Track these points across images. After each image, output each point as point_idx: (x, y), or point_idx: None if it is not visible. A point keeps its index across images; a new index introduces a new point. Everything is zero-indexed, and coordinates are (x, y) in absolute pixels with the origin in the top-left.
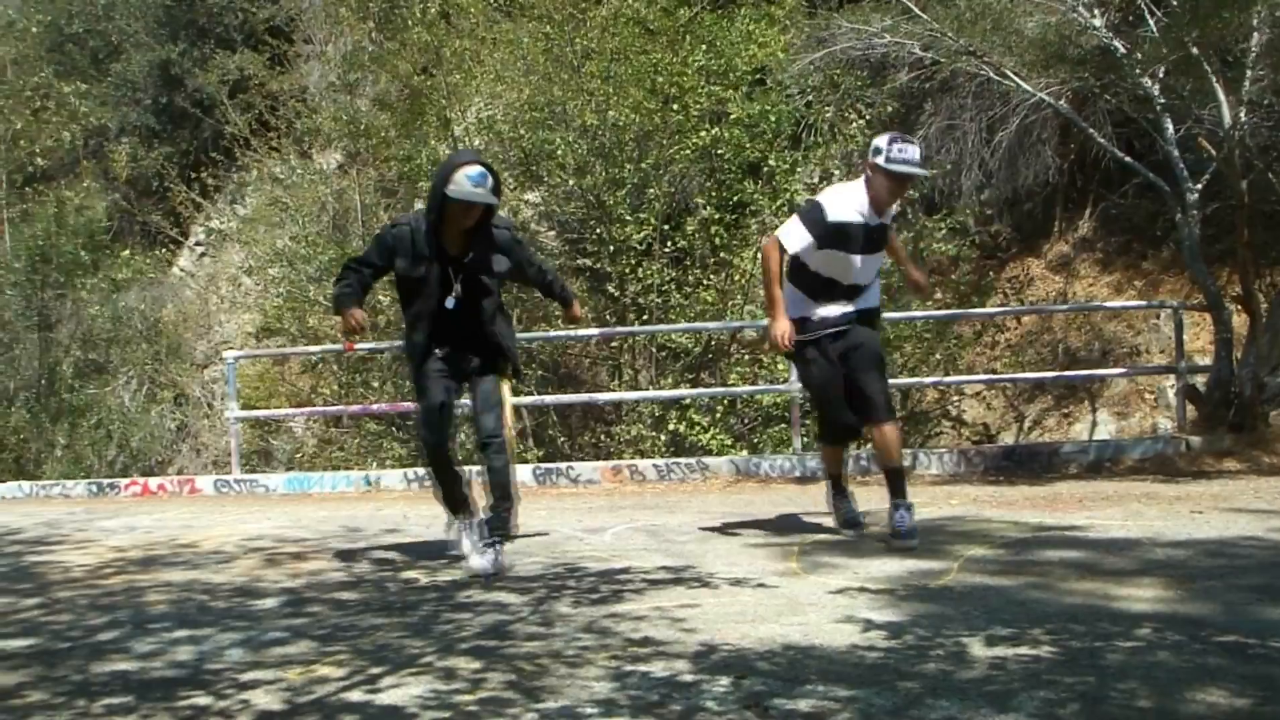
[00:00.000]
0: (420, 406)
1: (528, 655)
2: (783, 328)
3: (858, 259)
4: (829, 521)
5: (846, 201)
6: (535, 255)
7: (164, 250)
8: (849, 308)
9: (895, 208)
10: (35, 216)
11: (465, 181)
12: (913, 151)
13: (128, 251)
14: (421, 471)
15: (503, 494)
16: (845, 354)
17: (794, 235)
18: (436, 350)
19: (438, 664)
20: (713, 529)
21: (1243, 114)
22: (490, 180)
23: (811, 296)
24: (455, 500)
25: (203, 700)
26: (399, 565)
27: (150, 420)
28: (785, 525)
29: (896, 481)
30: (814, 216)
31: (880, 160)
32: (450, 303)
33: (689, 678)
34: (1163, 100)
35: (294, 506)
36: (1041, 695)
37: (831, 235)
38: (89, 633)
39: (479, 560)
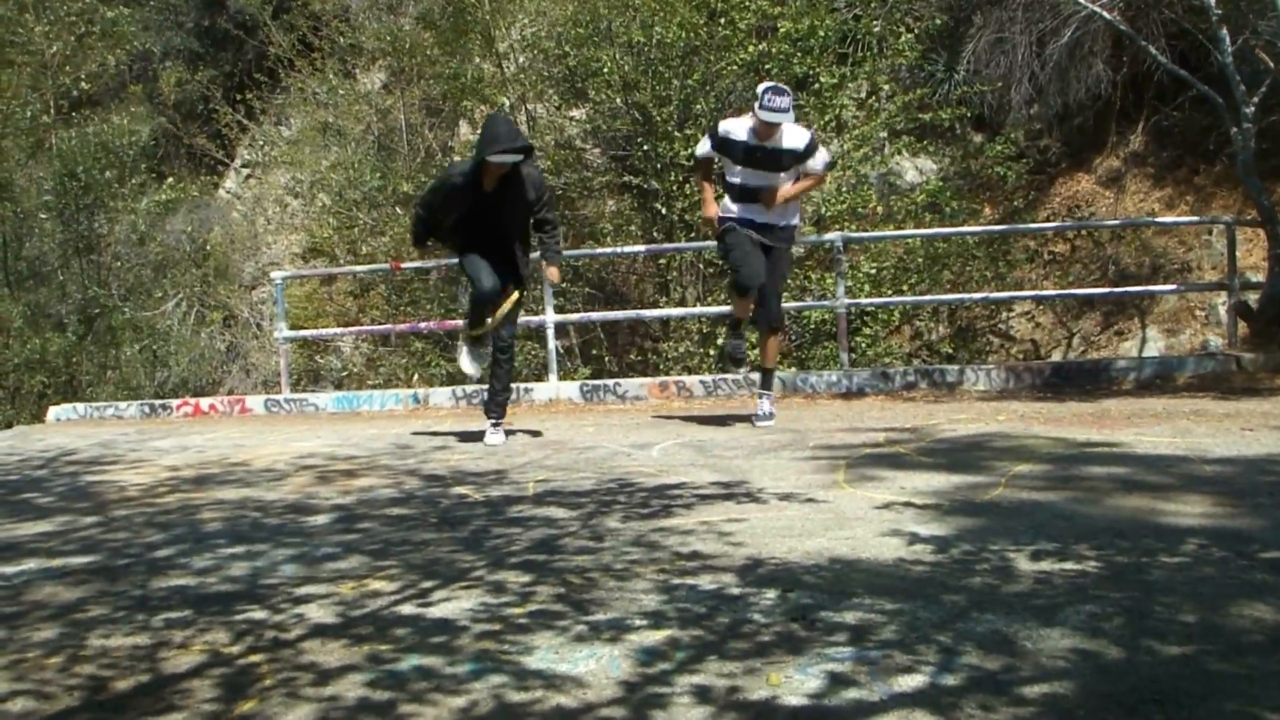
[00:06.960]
0: (471, 279)
1: (577, 569)
2: (709, 212)
3: (740, 169)
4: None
5: (736, 123)
6: (553, 210)
7: (210, 174)
8: (767, 214)
9: (802, 141)
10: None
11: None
12: (781, 101)
13: (172, 179)
14: (469, 389)
15: (504, 386)
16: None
17: (701, 144)
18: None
19: (488, 578)
20: (759, 444)
21: None
22: (519, 141)
23: (734, 200)
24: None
25: (259, 614)
26: (449, 481)
27: (200, 342)
28: (832, 441)
29: (767, 378)
30: (711, 130)
31: (756, 106)
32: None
33: (736, 591)
34: (1219, 11)
35: (343, 425)
36: (1087, 609)
37: (721, 143)
38: (147, 549)
39: (493, 437)
